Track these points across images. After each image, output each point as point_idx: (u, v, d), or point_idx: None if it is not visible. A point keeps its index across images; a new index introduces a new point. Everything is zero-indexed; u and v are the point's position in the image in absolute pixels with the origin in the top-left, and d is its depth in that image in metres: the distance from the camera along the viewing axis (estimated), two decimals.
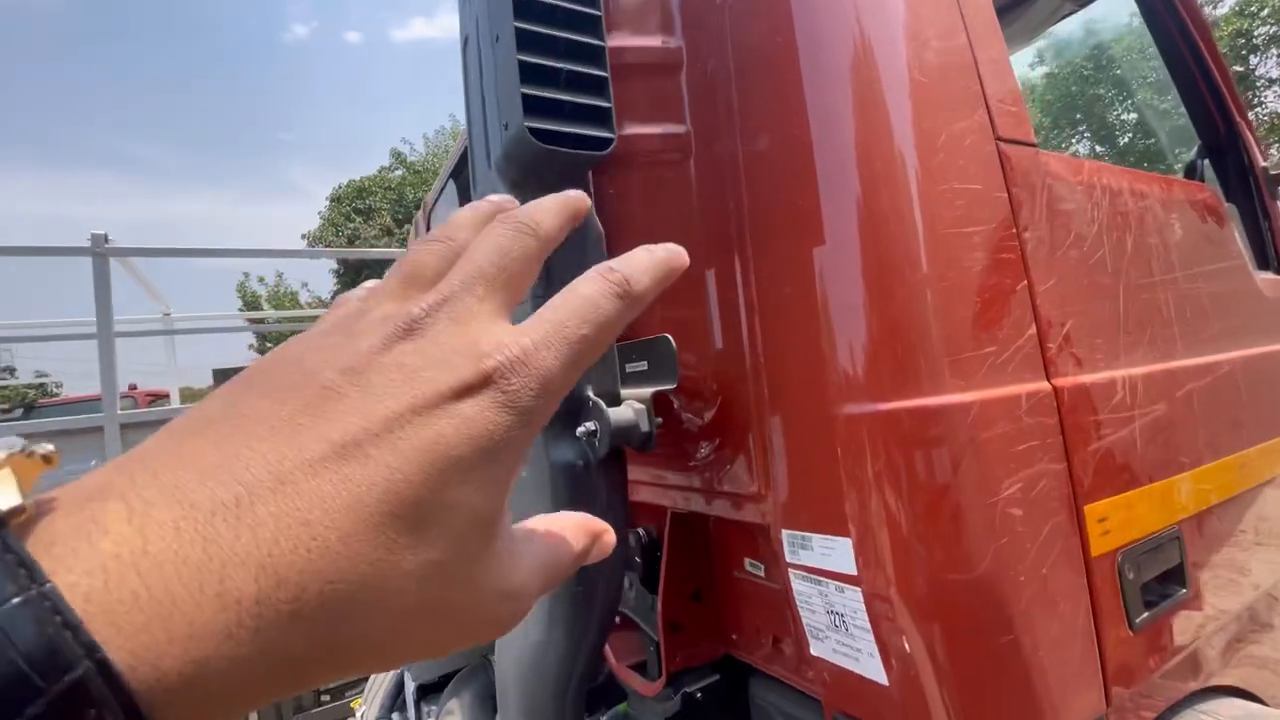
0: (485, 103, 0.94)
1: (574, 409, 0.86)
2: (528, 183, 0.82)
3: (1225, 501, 1.11)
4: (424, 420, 0.23)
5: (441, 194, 2.09)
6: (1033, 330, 0.88)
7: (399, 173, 21.37)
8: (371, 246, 18.85)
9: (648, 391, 0.90)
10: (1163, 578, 0.96)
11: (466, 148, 1.82)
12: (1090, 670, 0.83)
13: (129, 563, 0.18)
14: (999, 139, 0.92)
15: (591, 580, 0.85)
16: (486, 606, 0.26)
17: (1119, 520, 0.90)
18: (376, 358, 0.24)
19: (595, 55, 0.78)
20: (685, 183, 1.03)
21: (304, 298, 20.69)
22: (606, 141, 0.79)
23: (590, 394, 0.85)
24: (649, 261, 0.31)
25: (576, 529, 0.32)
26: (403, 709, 1.83)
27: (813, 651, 0.92)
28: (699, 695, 1.17)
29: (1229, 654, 1.09)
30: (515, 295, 0.29)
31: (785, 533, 0.93)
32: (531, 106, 0.72)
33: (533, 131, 0.71)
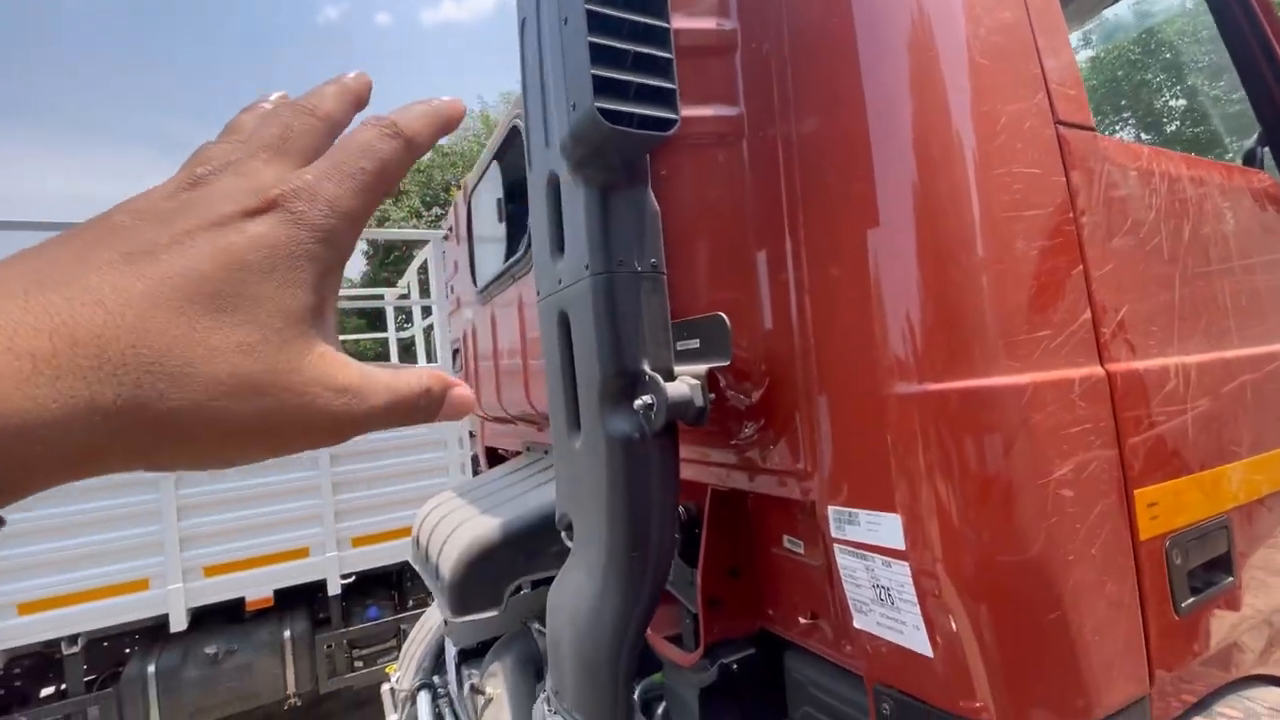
0: (546, 84, 0.96)
1: (630, 384, 0.89)
2: (591, 162, 0.84)
3: (1277, 493, 1.10)
4: (213, 234, 0.27)
5: (484, 176, 2.13)
6: (1087, 315, 0.88)
7: (427, 156, 21.52)
8: (400, 228, 19.08)
9: (702, 368, 0.92)
10: (1209, 565, 0.96)
11: (513, 128, 1.84)
12: (1135, 652, 0.84)
13: None
14: (1059, 123, 0.92)
15: (646, 545, 0.88)
16: (313, 395, 0.29)
17: (1168, 506, 0.90)
18: (162, 202, 0.28)
19: (661, 37, 0.79)
20: (738, 165, 1.05)
21: None
22: (671, 122, 0.81)
23: (647, 369, 0.87)
24: (422, 109, 0.35)
25: (430, 373, 0.35)
26: (442, 672, 1.90)
27: (856, 624, 0.95)
28: (735, 667, 1.20)
29: (1273, 644, 1.09)
30: (301, 161, 0.32)
31: (831, 508, 0.95)
32: (601, 87, 0.74)
33: (602, 112, 0.73)
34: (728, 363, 0.92)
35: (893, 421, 0.84)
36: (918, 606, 0.83)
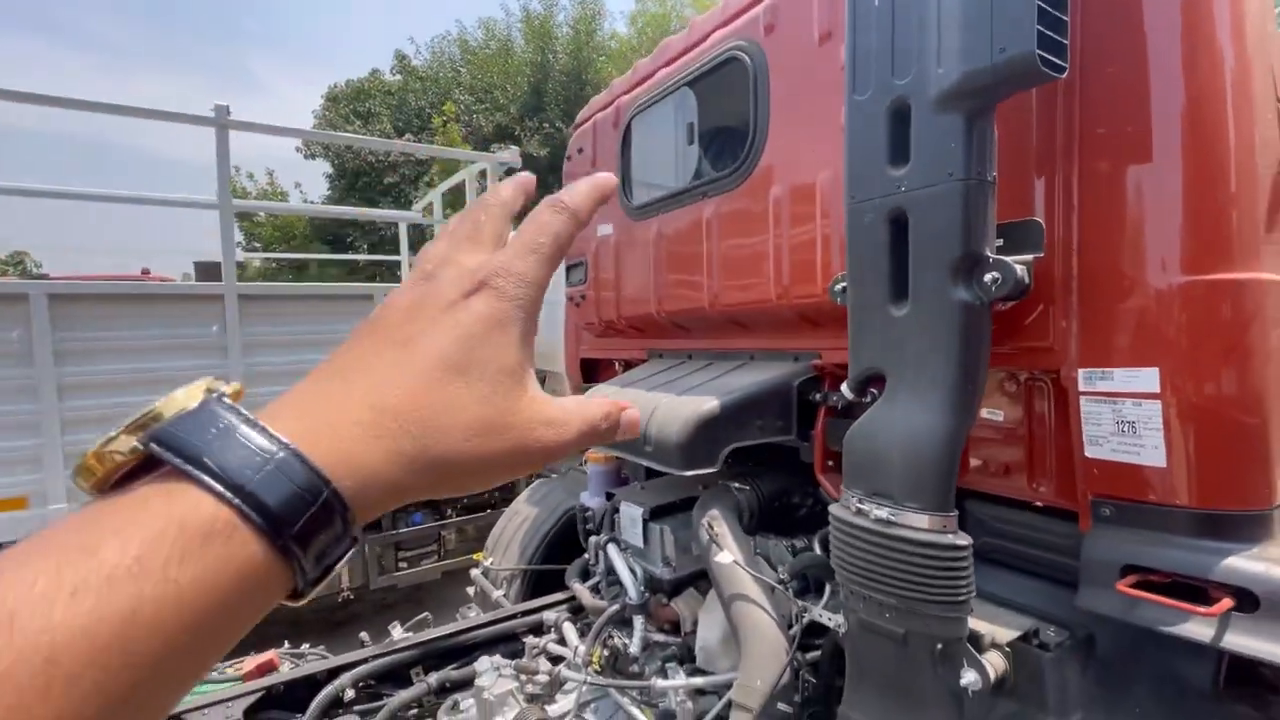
0: (906, 25, 1.22)
1: (974, 263, 1.19)
2: (978, 94, 1.12)
3: None
4: (447, 316, 0.37)
5: (658, 101, 2.32)
6: None
7: (399, 77, 20.46)
8: (370, 151, 18.22)
9: (1028, 256, 1.24)
10: None
11: (730, 58, 2.03)
12: None
13: (308, 429, 0.32)
14: (1277, 98, 1.26)
15: (975, 381, 1.21)
16: (531, 429, 0.38)
17: None
18: (409, 297, 0.39)
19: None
20: (1027, 103, 1.35)
21: (294, 199, 20.00)
22: (1063, 68, 1.09)
23: (989, 253, 1.18)
24: (584, 185, 0.45)
25: (608, 401, 0.44)
26: (615, 538, 2.19)
27: (1088, 454, 1.31)
28: None
29: None
30: (493, 246, 0.42)
31: (1083, 371, 1.30)
32: (1040, 38, 1.01)
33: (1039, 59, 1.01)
34: (1041, 254, 1.24)
35: (1159, 303, 1.20)
36: (1161, 433, 1.21)
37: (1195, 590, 1.17)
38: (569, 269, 3.09)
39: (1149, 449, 1.23)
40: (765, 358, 2.11)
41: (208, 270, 4.24)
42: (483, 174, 5.45)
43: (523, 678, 1.89)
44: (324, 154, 19.32)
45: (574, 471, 3.39)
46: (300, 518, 0.29)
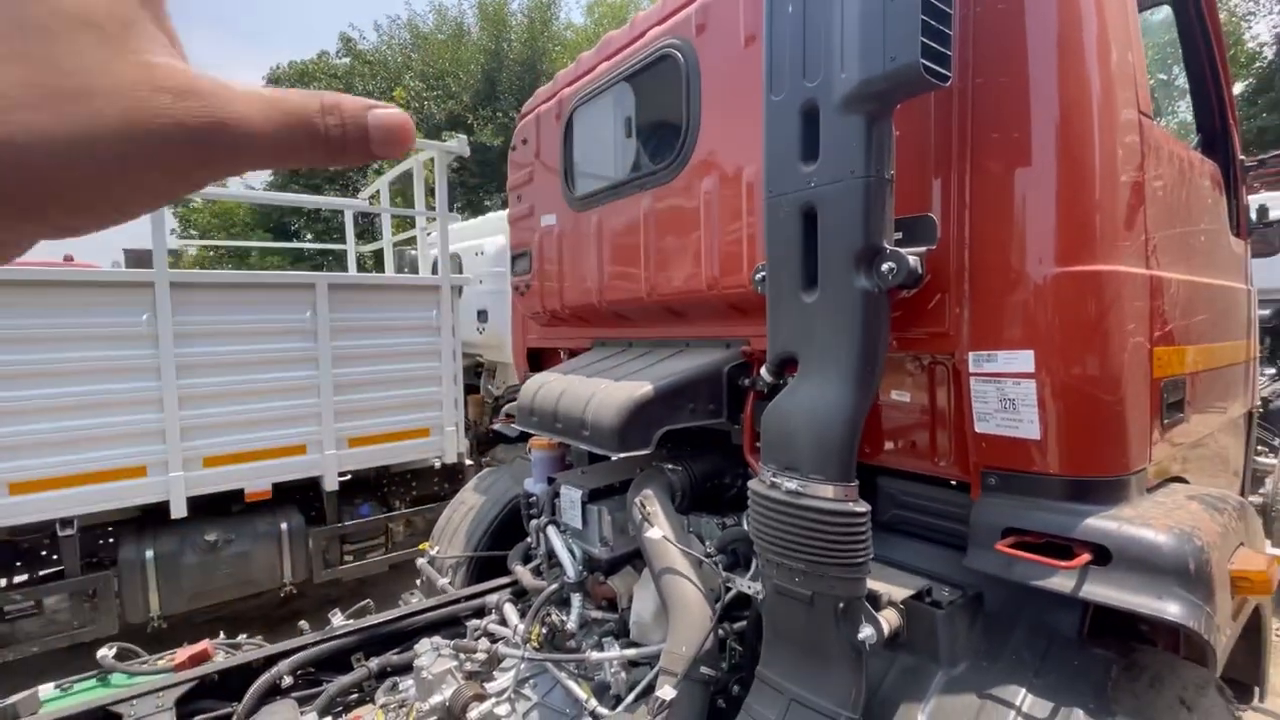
0: (815, 34, 1.32)
1: (873, 255, 1.30)
2: (875, 98, 1.22)
3: (1206, 370, 1.72)
4: None
5: (599, 94, 2.38)
6: (1144, 237, 1.40)
7: (346, 62, 19.79)
8: None
9: (921, 249, 1.35)
10: (1174, 405, 1.56)
11: (663, 54, 2.10)
12: (1144, 442, 1.40)
13: None
14: (1140, 112, 1.42)
15: (874, 363, 1.31)
16: (138, 95, 0.25)
17: (1163, 361, 1.47)
18: None
19: (946, 11, 1.18)
20: (924, 109, 1.47)
21: (234, 185, 19.15)
22: (947, 78, 1.20)
23: (887, 245, 1.29)
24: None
25: (333, 94, 0.30)
26: (554, 521, 2.25)
27: (978, 429, 1.45)
28: None
29: (1187, 459, 1.72)
30: None
31: (972, 354, 1.44)
32: (925, 49, 1.12)
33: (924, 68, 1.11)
34: (934, 245, 1.36)
35: (1034, 292, 1.33)
36: (1036, 409, 1.34)
37: (1064, 548, 1.31)
38: (514, 259, 3.12)
39: (1026, 423, 1.37)
40: (700, 345, 2.20)
41: (139, 258, 4.07)
42: (430, 162, 5.39)
43: (461, 656, 1.94)
44: None
45: (520, 460, 3.43)
46: None
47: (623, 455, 1.86)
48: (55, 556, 3.79)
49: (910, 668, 1.43)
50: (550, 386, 2.27)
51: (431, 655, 1.91)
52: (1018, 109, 1.37)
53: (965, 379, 1.47)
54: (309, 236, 16.55)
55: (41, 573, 3.67)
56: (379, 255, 6.55)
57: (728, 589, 1.76)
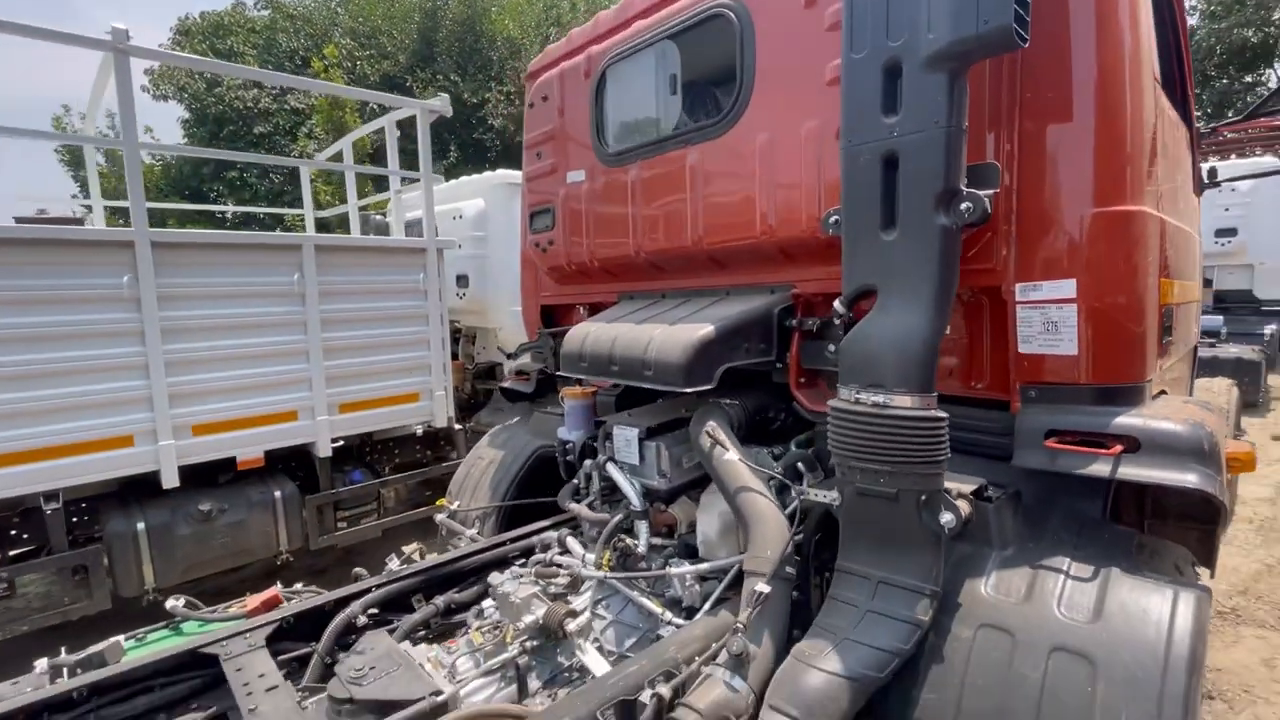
0: (896, 4, 1.49)
1: (950, 196, 1.49)
2: (960, 57, 1.40)
3: (1181, 303, 2.05)
4: None
5: (638, 50, 2.46)
6: (1156, 185, 1.67)
7: (266, 14, 18.37)
8: (236, 96, 16.37)
9: (988, 191, 1.56)
10: (1167, 329, 1.86)
11: (714, 14, 2.20)
12: (1154, 355, 1.69)
13: None
14: (1155, 79, 1.67)
15: (950, 290, 1.52)
16: None
17: (1164, 291, 1.76)
18: None
19: None
20: (981, 71, 1.67)
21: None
22: (1026, 39, 1.39)
23: (963, 187, 1.49)
24: None
25: None
26: (608, 449, 2.39)
27: (1021, 350, 1.70)
28: None
29: (1165, 378, 2.06)
30: None
31: (1019, 285, 1.68)
32: (1015, 14, 1.30)
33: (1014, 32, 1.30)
34: (998, 189, 1.58)
35: (1078, 229, 1.58)
36: (1075, 329, 1.60)
37: (1095, 445, 1.59)
38: (533, 216, 3.17)
39: (1066, 342, 1.63)
40: (740, 292, 2.38)
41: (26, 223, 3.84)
42: (406, 123, 5.24)
43: (542, 582, 2.07)
44: (178, 96, 17.08)
45: (538, 415, 3.52)
46: None
47: (688, 390, 2.02)
48: (26, 536, 3.61)
49: (967, 554, 1.69)
50: (600, 333, 2.39)
51: (514, 583, 2.03)
52: (1060, 71, 1.60)
53: (1011, 307, 1.71)
54: (231, 202, 15.47)
55: (12, 552, 3.48)
56: (340, 224, 6.32)
57: (799, 499, 1.97)
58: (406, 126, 5.15)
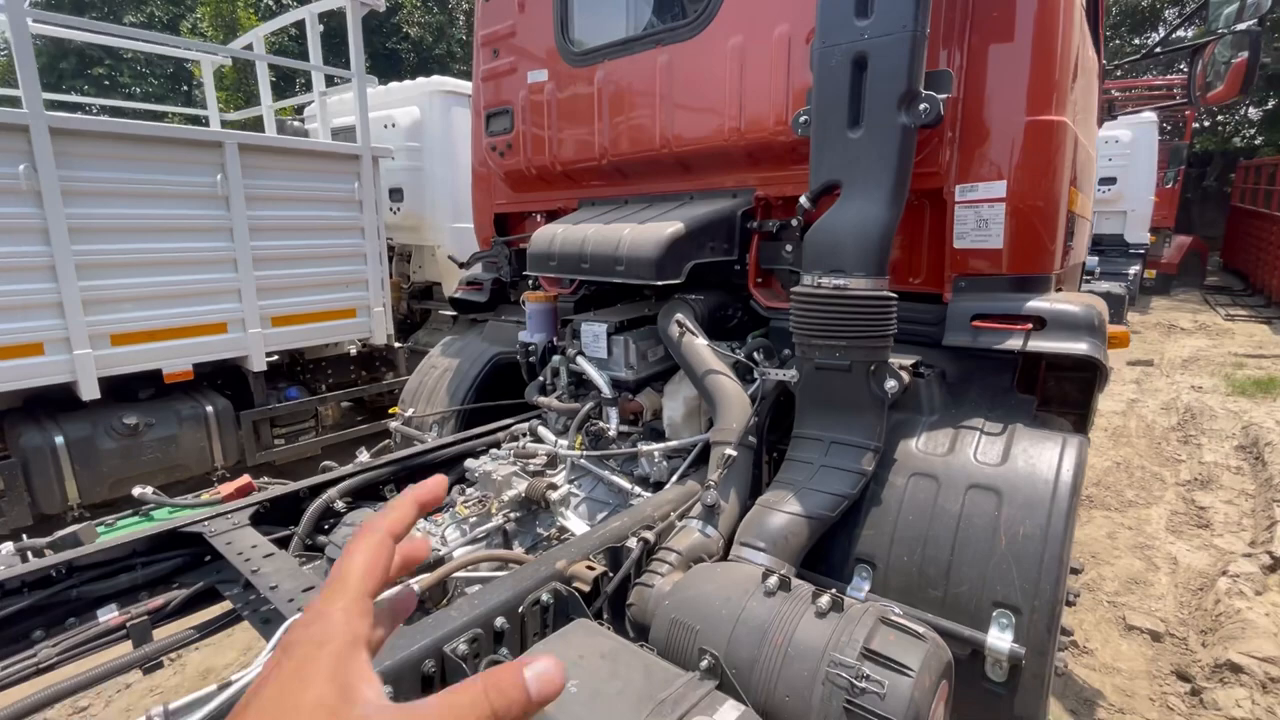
0: None
1: (911, 97, 1.66)
2: None
3: (1079, 215, 2.37)
4: (262, 688, 0.39)
5: None
6: (1072, 103, 1.92)
7: None
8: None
9: (941, 95, 1.74)
10: (1069, 233, 2.17)
11: None
12: (1059, 252, 1.99)
13: None
14: (1083, 7, 1.89)
15: (905, 183, 1.71)
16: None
17: (1071, 197, 2.05)
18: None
19: None
20: None
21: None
22: None
23: (922, 89, 1.66)
24: (403, 502, 0.53)
25: (494, 675, 0.42)
26: (576, 344, 2.51)
27: (956, 245, 1.95)
28: None
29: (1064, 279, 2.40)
30: (359, 597, 0.44)
31: (959, 186, 1.91)
32: None
33: None
34: (951, 94, 1.76)
35: (1010, 135, 1.80)
36: (1003, 224, 1.85)
37: (1010, 324, 1.88)
38: (489, 117, 3.11)
39: (994, 236, 1.89)
40: (703, 196, 2.50)
41: None
42: (326, 17, 4.82)
43: (520, 462, 2.21)
44: None
45: (493, 323, 3.55)
46: None
47: (658, 283, 2.16)
48: None
49: (901, 420, 1.97)
50: (570, 232, 2.45)
51: (494, 463, 2.16)
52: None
53: (951, 207, 1.94)
54: (94, 93, 13.64)
55: None
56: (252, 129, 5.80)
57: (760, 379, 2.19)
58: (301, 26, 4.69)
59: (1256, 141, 20.66)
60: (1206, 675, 2.91)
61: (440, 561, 1.75)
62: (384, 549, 0.49)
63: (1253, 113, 20.77)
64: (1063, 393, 2.29)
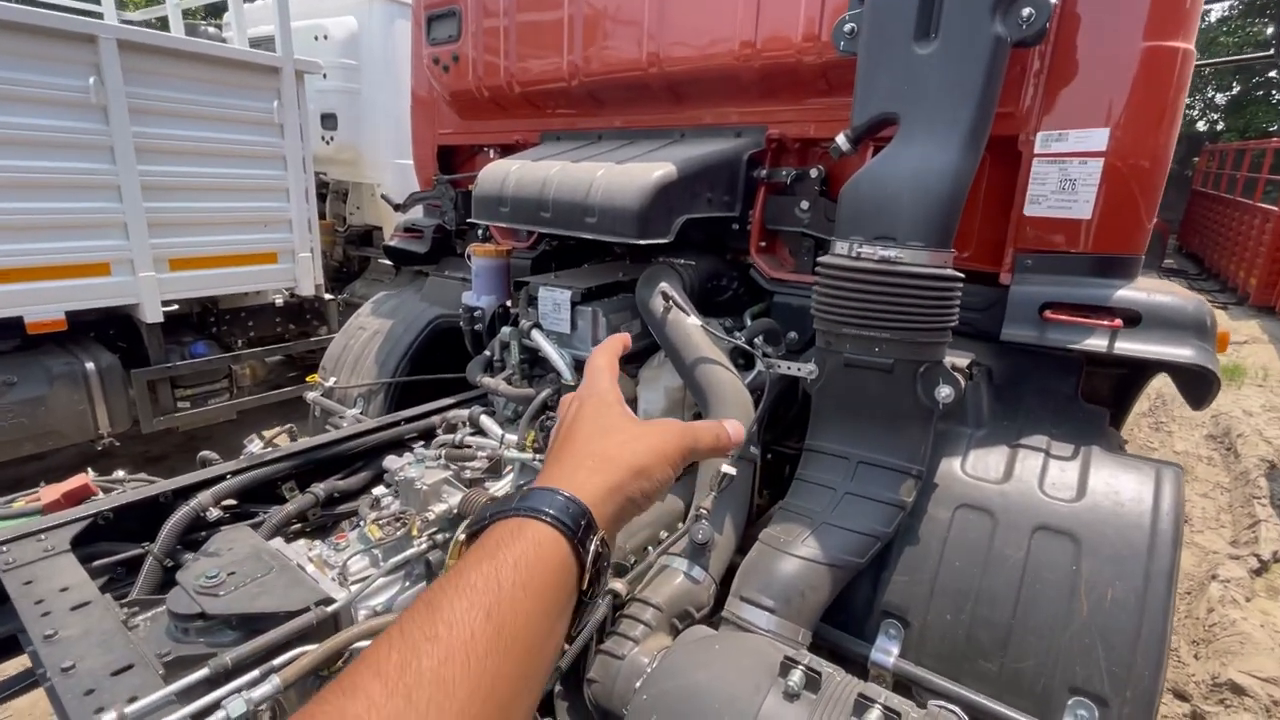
0: None
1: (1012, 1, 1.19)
2: None
3: None
4: (578, 424, 0.64)
5: None
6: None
7: None
8: None
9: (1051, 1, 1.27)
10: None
11: None
12: (1149, 231, 1.56)
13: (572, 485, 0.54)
14: None
15: (989, 118, 1.25)
16: (651, 443, 0.62)
17: None
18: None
19: None
20: None
21: None
22: None
23: None
24: (608, 346, 0.78)
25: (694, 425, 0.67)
26: (525, 319, 2.01)
27: (1027, 212, 1.51)
28: None
29: None
30: (607, 368, 0.72)
31: (1040, 134, 1.45)
32: None
33: None
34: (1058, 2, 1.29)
35: (1120, 67, 1.35)
36: (1095, 187, 1.42)
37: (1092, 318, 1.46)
38: (431, 21, 2.49)
39: (1081, 204, 1.45)
40: (699, 134, 1.99)
41: None
42: None
43: (455, 466, 1.73)
44: None
45: (434, 280, 2.99)
46: (579, 527, 0.51)
47: (641, 243, 1.67)
48: None
49: (941, 433, 1.56)
50: (527, 171, 1.92)
51: (418, 467, 1.67)
52: None
53: (1026, 161, 1.49)
54: None
55: None
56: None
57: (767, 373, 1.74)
58: None
59: (1219, 127, 20.97)
60: (1205, 694, 2.72)
61: (336, 622, 1.27)
62: (615, 350, 0.77)
63: (1219, 98, 21.02)
64: (1090, 388, 1.91)
